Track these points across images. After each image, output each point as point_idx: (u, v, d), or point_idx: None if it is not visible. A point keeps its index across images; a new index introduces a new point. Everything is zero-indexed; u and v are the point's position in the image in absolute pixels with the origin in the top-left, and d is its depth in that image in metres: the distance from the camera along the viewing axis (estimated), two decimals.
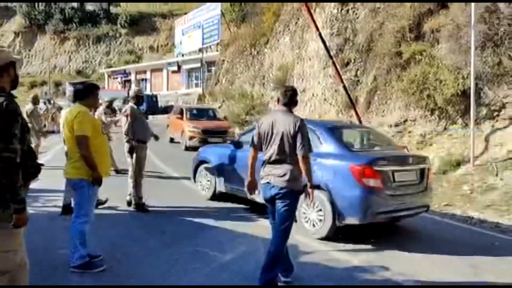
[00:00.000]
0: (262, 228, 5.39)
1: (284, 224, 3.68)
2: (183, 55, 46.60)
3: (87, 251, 4.00)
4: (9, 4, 69.06)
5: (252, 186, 3.97)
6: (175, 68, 46.10)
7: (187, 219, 6.02)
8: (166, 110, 38.52)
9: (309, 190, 3.69)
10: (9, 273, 2.57)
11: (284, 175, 3.69)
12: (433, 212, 6.96)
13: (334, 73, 12.19)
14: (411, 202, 5.24)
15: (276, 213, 3.75)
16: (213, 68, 37.35)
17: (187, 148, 14.15)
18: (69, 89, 58.04)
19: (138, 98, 6.68)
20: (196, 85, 44.18)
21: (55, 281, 3.81)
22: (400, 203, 5.07)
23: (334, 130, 5.59)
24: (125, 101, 43.55)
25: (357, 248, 4.94)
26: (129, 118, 6.32)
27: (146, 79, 52.06)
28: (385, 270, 4.37)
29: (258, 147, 3.90)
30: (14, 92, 2.62)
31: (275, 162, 3.76)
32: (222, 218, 6.09)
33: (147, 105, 11.06)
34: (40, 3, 65.25)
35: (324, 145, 5.31)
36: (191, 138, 14.05)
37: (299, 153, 3.68)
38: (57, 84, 62.07)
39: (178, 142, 15.67)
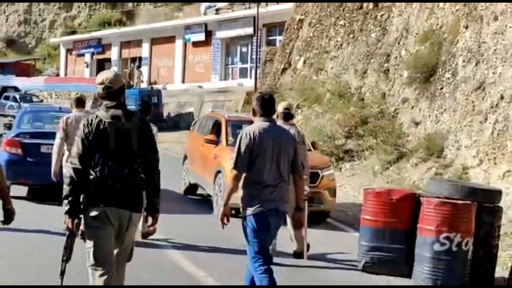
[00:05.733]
0: None
1: None
2: (217, 11, 47.01)
3: None
4: None
5: None
6: (200, 36, 46.92)
7: None
8: (177, 122, 38.82)
9: None
10: None
11: None
12: None
13: None
14: None
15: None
16: (279, 38, 36.99)
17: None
18: None
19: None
20: (243, 72, 44.09)
21: None
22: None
23: (27, 114, 17.03)
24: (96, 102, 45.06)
25: None
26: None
27: (140, 59, 52.92)
28: None
29: None
30: None
31: None
32: None
33: (141, 110, 11.86)
34: None
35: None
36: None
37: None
38: None
39: (207, 198, 15.61)
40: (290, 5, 36.51)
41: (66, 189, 6.17)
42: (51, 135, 12.29)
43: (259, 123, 7.30)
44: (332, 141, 20.99)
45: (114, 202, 6.12)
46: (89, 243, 6.17)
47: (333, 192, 14.53)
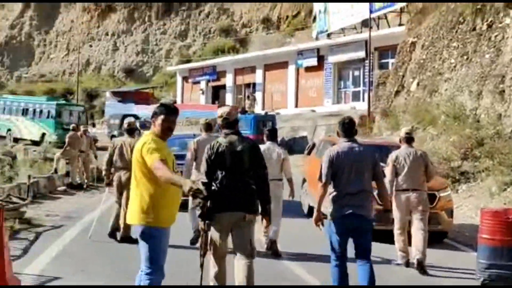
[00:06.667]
0: None
1: None
2: (329, 35, 47.34)
3: None
4: None
5: None
6: (313, 61, 47.46)
7: None
8: (291, 146, 39.32)
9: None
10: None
11: None
12: None
13: None
14: None
15: None
16: (392, 61, 37.06)
17: None
18: (111, 104, 62.63)
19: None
20: (355, 95, 44.23)
21: None
22: None
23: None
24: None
25: None
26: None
27: (254, 85, 53.71)
28: None
29: None
30: None
31: None
32: None
33: (269, 135, 13.05)
34: None
35: None
36: None
37: None
38: (91, 95, 67.03)
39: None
40: (402, 28, 36.64)
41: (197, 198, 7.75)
42: (183, 157, 13.09)
43: (340, 144, 8.85)
44: (448, 163, 20.84)
45: (231, 207, 7.92)
46: (211, 239, 8.01)
47: (450, 213, 14.63)
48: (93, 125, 48.90)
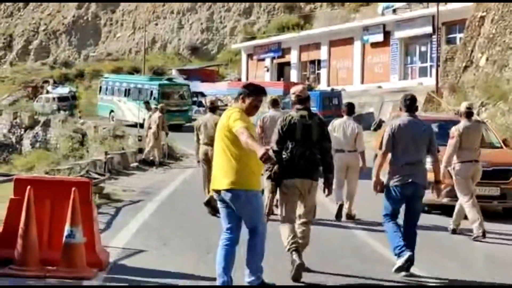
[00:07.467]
0: None
1: None
2: (394, 11, 46.94)
3: None
4: None
5: None
6: (379, 36, 47.26)
7: None
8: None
9: None
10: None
11: None
12: None
13: None
14: None
15: None
16: (460, 36, 36.63)
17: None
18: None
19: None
20: (422, 71, 43.81)
21: None
22: None
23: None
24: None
25: None
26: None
27: (319, 61, 53.63)
28: None
29: None
30: None
31: None
32: None
33: (348, 110, 13.52)
34: None
35: None
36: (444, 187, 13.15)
37: None
38: (157, 73, 67.76)
39: None
40: (470, 2, 36.15)
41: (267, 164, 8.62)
42: None
43: (401, 118, 9.55)
44: None
45: (299, 174, 8.74)
46: (282, 204, 8.94)
47: None
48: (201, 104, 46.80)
